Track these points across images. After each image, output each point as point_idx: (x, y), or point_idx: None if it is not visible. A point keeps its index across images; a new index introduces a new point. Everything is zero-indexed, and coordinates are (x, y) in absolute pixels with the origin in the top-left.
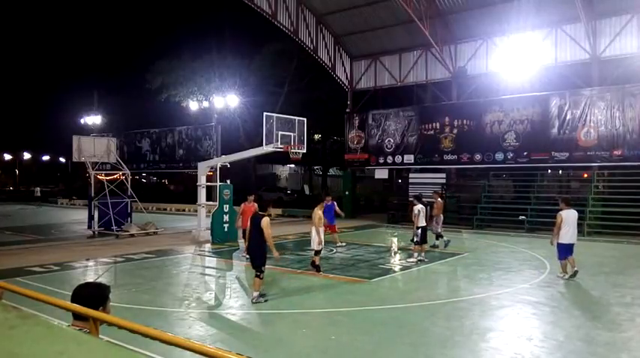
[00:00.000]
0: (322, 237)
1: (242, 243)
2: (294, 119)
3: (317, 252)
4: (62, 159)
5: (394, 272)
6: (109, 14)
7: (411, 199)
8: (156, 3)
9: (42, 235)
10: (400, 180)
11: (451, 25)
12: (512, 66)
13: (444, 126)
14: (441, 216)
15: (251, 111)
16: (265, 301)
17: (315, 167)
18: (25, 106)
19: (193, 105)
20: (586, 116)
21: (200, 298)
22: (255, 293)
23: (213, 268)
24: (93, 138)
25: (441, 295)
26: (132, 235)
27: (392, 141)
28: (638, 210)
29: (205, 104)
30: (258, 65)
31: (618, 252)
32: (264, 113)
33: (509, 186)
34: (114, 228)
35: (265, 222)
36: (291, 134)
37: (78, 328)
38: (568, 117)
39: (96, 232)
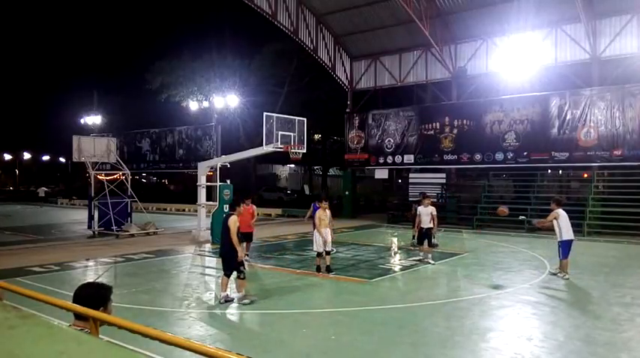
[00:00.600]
0: (320, 238)
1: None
2: (294, 119)
3: (319, 254)
4: (62, 159)
5: (394, 272)
6: (109, 14)
7: (418, 199)
8: (156, 3)
9: (42, 235)
10: (400, 180)
11: (451, 25)
12: (512, 66)
13: (444, 126)
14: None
15: (251, 111)
16: (251, 303)
17: (315, 167)
18: (25, 106)
19: (193, 105)
20: (586, 116)
21: (200, 298)
22: (240, 295)
23: (213, 268)
24: (93, 138)
25: (441, 295)
26: (132, 235)
27: (392, 141)
28: (638, 210)
29: (205, 104)
30: (258, 65)
31: (618, 252)
32: (264, 113)
33: (509, 186)
34: (114, 228)
35: (231, 220)
36: (291, 134)
37: (78, 328)
38: (568, 117)
39: (96, 232)
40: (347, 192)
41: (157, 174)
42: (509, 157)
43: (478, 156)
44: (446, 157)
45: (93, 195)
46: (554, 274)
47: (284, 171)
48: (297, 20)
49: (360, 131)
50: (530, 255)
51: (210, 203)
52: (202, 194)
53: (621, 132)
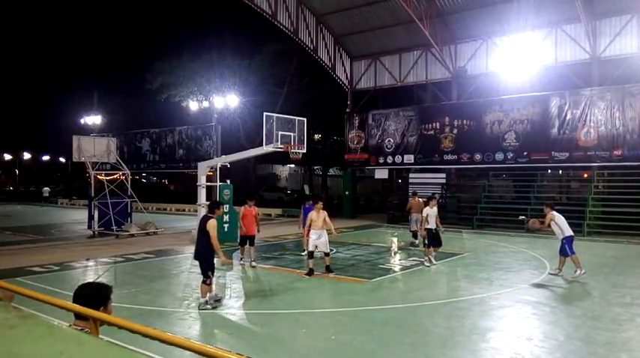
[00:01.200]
0: (307, 239)
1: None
2: (294, 119)
3: (309, 254)
4: (62, 159)
5: (394, 272)
6: (108, 14)
7: (425, 200)
8: (156, 3)
9: (42, 235)
10: (400, 180)
11: (451, 25)
12: (512, 66)
13: (444, 126)
14: (418, 215)
15: (251, 111)
16: (213, 308)
17: (315, 167)
18: (25, 106)
19: (193, 105)
20: (586, 116)
21: (200, 298)
22: (202, 300)
23: None
24: (93, 138)
25: (441, 295)
26: (132, 235)
27: (392, 141)
28: (638, 210)
29: (205, 104)
30: (258, 65)
31: (618, 252)
32: (264, 113)
33: (509, 186)
34: (114, 228)
35: (211, 224)
36: (291, 134)
37: (79, 328)
38: (568, 117)
39: (96, 232)
40: (347, 192)
41: (157, 174)
42: (509, 157)
43: (478, 156)
44: (446, 157)
45: (93, 195)
46: (554, 274)
47: (284, 171)
48: (297, 20)
49: (360, 131)
50: (530, 255)
51: None
52: (202, 194)
53: (621, 132)
